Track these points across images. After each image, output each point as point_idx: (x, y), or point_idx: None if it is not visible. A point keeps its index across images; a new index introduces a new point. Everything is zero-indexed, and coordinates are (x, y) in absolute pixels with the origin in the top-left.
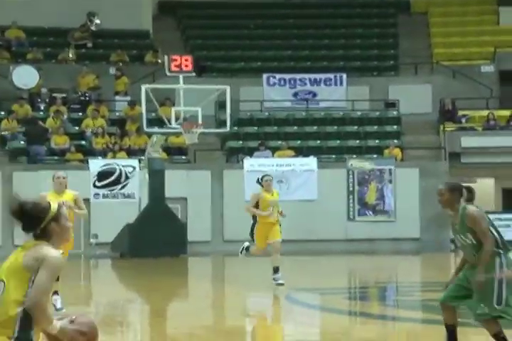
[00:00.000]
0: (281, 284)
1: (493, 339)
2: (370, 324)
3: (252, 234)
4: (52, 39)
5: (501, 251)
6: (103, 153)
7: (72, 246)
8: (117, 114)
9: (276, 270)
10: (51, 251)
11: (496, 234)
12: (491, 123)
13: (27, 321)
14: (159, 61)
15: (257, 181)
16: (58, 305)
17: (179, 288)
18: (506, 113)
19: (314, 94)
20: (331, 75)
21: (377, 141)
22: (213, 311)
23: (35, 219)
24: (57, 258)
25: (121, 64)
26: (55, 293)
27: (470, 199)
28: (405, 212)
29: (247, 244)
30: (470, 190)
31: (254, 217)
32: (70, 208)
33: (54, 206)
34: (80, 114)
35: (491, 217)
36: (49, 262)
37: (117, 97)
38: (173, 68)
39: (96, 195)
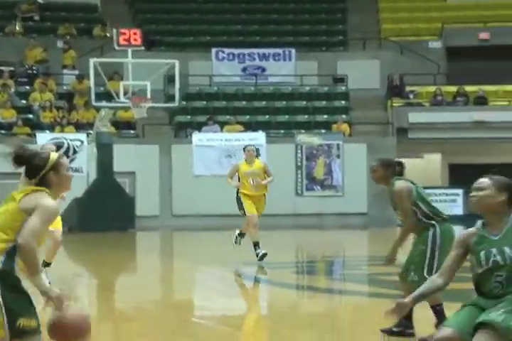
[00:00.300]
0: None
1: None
2: (318, 298)
3: (238, 203)
4: None
5: (434, 222)
6: (51, 127)
7: (60, 226)
8: (65, 87)
9: (256, 244)
10: (47, 199)
11: (425, 207)
12: (438, 98)
13: (13, 253)
14: (108, 35)
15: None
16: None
17: (127, 262)
18: (453, 89)
19: (263, 69)
20: (280, 50)
21: (325, 116)
22: (161, 285)
23: (34, 168)
24: (51, 206)
25: (69, 37)
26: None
27: (400, 173)
28: (353, 187)
29: (237, 231)
30: (400, 164)
31: (237, 190)
32: None
33: (53, 156)
34: (28, 87)
35: (438, 192)
36: (43, 207)
37: (65, 71)
38: (122, 42)
39: None
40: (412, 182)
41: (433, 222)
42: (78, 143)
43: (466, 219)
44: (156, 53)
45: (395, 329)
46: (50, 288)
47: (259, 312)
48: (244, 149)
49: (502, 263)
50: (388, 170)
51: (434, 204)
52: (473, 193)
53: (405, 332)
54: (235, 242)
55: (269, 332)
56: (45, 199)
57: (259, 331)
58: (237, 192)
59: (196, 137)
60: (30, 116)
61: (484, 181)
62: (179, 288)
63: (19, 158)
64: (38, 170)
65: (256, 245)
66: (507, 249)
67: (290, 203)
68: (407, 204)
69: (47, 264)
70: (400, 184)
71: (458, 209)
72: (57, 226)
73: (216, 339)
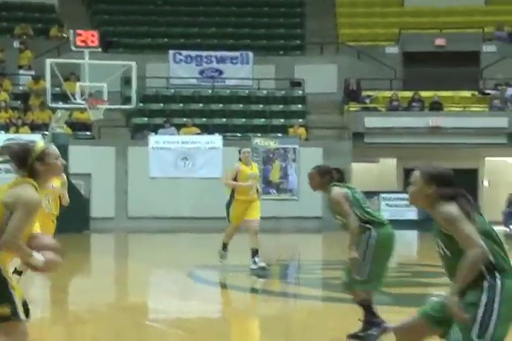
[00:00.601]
0: (264, 268)
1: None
2: (272, 301)
3: (227, 211)
4: None
5: (370, 226)
6: (6, 128)
7: (53, 230)
8: (21, 88)
9: (255, 252)
10: (28, 192)
11: (359, 212)
12: (394, 104)
13: None
14: (64, 35)
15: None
16: None
17: (82, 264)
18: (409, 94)
19: (220, 72)
20: (238, 53)
21: (282, 120)
22: (116, 288)
23: (20, 159)
24: (30, 198)
25: (25, 37)
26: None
27: (340, 180)
28: (308, 190)
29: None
30: (339, 172)
31: (232, 193)
32: (57, 194)
33: (39, 146)
34: None
35: (393, 196)
36: (23, 202)
37: (21, 71)
38: (79, 43)
39: None
40: (349, 188)
41: (368, 226)
42: None
43: (421, 224)
44: (113, 55)
45: (360, 333)
46: (39, 260)
47: (213, 315)
48: (239, 152)
49: (440, 254)
50: (325, 178)
51: (369, 209)
52: (408, 188)
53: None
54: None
55: (222, 336)
56: (27, 193)
57: (211, 334)
58: (231, 196)
59: (153, 139)
60: None
61: (415, 175)
62: (133, 290)
63: (6, 149)
64: (24, 161)
65: (225, 246)
66: (439, 241)
67: None
68: (346, 207)
69: (18, 273)
70: (335, 190)
71: (412, 214)
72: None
73: None
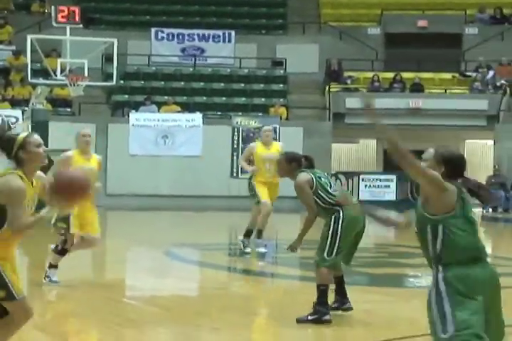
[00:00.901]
0: (247, 253)
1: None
2: (249, 280)
3: (251, 190)
4: None
5: (339, 208)
6: None
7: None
8: (1, 63)
9: (249, 234)
10: (12, 182)
11: (326, 195)
12: (375, 84)
13: None
14: (46, 11)
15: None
16: (54, 278)
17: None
18: (390, 75)
19: (202, 50)
20: (220, 32)
21: (263, 99)
22: (93, 265)
23: (5, 149)
24: (13, 188)
25: (6, 12)
26: (55, 266)
27: (308, 167)
28: None
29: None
30: (307, 159)
31: (250, 176)
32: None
33: (21, 135)
34: None
35: (372, 177)
36: (6, 192)
37: (1, 46)
38: (60, 19)
39: None
40: (314, 173)
41: (337, 208)
42: (13, 120)
43: (400, 205)
44: (94, 31)
45: (333, 305)
46: (46, 211)
47: (190, 293)
48: (261, 131)
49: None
50: (291, 165)
51: (336, 192)
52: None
53: (341, 307)
54: (244, 247)
55: (198, 314)
56: (10, 183)
57: (188, 312)
58: (250, 178)
59: (133, 117)
60: None
61: (428, 152)
62: (111, 267)
63: None
64: (9, 150)
65: (259, 233)
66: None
67: (225, 185)
68: (306, 198)
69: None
70: (299, 177)
71: (391, 195)
72: (93, 232)
73: (145, 320)
